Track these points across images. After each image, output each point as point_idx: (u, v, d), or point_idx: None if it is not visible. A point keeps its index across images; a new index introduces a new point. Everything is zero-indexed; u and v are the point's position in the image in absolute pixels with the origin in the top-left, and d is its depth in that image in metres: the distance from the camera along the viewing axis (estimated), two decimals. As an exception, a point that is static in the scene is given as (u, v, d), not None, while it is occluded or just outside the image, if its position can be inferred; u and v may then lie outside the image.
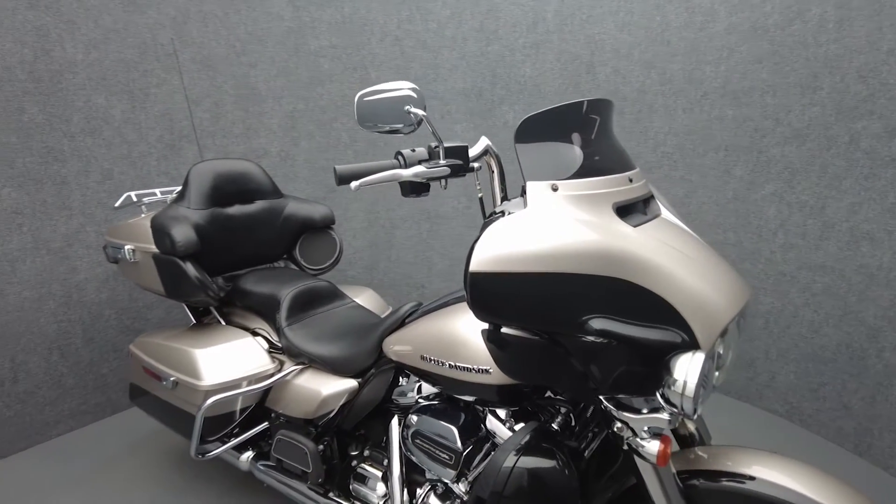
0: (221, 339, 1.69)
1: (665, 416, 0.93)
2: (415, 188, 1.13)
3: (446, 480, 1.30)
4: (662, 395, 0.91)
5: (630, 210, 1.05)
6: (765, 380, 2.43)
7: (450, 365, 1.21)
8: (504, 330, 1.03)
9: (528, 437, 1.10)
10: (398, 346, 1.37)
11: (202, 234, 1.76)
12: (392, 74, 2.81)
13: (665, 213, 1.15)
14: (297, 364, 1.64)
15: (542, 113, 1.02)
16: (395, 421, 1.46)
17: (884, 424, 2.01)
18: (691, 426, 1.19)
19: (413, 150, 1.17)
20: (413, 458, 1.37)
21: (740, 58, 2.30)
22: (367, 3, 2.73)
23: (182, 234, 1.64)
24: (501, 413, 1.24)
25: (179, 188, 2.00)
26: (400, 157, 1.14)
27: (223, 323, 1.84)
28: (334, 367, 1.55)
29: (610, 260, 0.92)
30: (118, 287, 2.53)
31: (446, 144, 1.17)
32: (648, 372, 0.92)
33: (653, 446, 0.96)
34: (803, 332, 2.24)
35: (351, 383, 1.52)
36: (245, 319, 1.82)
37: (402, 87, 1.15)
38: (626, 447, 1.02)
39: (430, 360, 1.25)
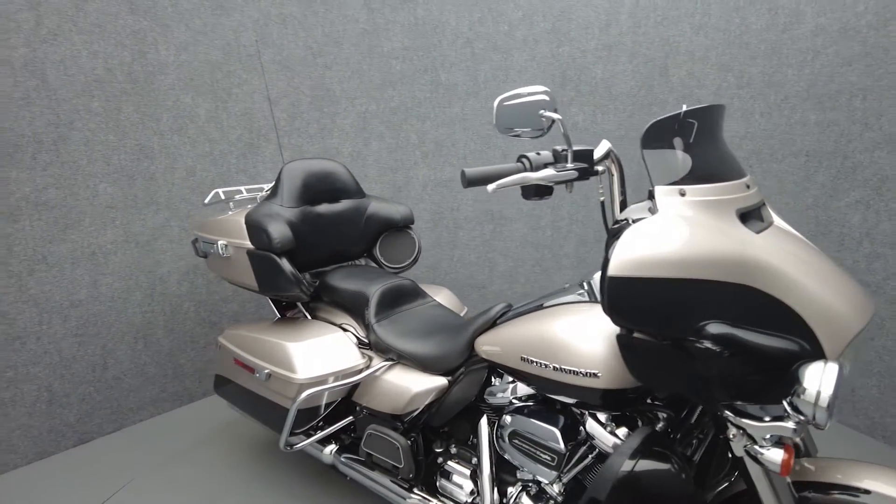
0: (313, 334, 1.75)
1: (791, 424, 0.94)
2: (538, 191, 1.16)
3: (543, 480, 1.33)
4: (791, 404, 0.92)
5: (749, 217, 1.05)
6: (844, 393, 2.37)
7: (554, 367, 1.24)
8: (635, 335, 1.05)
9: (642, 442, 1.12)
10: (493, 346, 1.40)
11: (294, 231, 1.84)
12: (462, 77, 2.85)
13: (777, 220, 1.15)
14: (386, 360, 1.69)
15: (667, 118, 1.04)
16: (484, 420, 1.50)
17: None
18: (797, 437, 1.19)
19: (538, 154, 1.20)
20: (507, 458, 1.40)
21: (827, 60, 2.25)
22: (440, 5, 2.77)
23: (278, 231, 1.71)
24: (602, 417, 1.26)
25: (268, 186, 2.09)
26: (525, 161, 1.17)
27: (309, 318, 1.91)
28: (424, 365, 1.60)
29: (741, 267, 0.94)
30: (197, 280, 2.65)
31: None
32: (774, 380, 0.93)
33: (776, 455, 0.96)
34: (889, 344, 2.18)
35: (440, 381, 1.56)
36: (331, 315, 1.89)
37: (537, 91, 1.17)
38: (740, 455, 1.03)
39: (532, 361, 1.28)
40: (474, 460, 1.57)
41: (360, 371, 1.69)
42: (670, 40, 2.60)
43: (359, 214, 2.04)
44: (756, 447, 0.99)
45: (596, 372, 1.18)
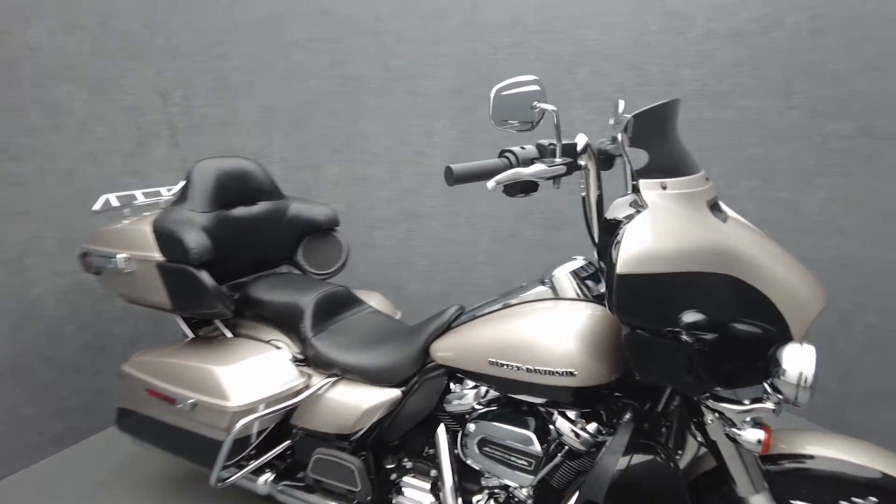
0: (242, 354, 1.59)
1: (770, 405, 0.99)
2: (525, 187, 1.12)
3: (515, 485, 1.31)
4: (772, 386, 0.97)
5: (713, 209, 1.10)
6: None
7: (528, 369, 1.22)
8: (639, 332, 1.04)
9: (631, 437, 1.13)
10: (453, 350, 1.36)
11: (210, 239, 1.65)
12: (374, 70, 2.76)
13: (731, 211, 1.22)
14: (329, 376, 1.58)
15: (647, 111, 1.05)
16: (442, 429, 1.45)
17: None
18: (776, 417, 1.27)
19: (523, 148, 1.16)
20: (473, 466, 1.36)
21: (718, 62, 2.46)
22: (346, -5, 2.65)
23: (196, 240, 1.52)
24: (571, 415, 1.26)
25: (167, 189, 1.86)
26: (510, 156, 1.13)
27: (230, 335, 1.73)
28: (374, 377, 1.51)
29: (723, 257, 0.98)
30: (80, 299, 2.31)
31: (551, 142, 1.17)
32: (754, 365, 0.98)
33: (755, 434, 1.01)
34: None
35: (393, 393, 1.49)
36: (255, 331, 1.72)
37: (529, 81, 1.13)
38: (716, 438, 1.08)
39: (502, 364, 1.25)
40: (433, 472, 1.51)
41: (301, 391, 1.56)
42: (576, 39, 2.70)
43: (279, 217, 1.88)
44: (734, 430, 1.04)
45: (572, 370, 1.17)
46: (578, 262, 1.35)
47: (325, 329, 1.66)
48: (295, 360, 1.65)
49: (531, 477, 1.26)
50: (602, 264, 1.24)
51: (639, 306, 1.00)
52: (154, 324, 2.57)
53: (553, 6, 2.70)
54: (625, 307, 1.01)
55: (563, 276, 1.30)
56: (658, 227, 0.98)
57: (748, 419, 1.03)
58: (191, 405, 1.53)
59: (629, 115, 1.06)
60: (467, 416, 1.42)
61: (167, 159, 2.47)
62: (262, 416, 1.49)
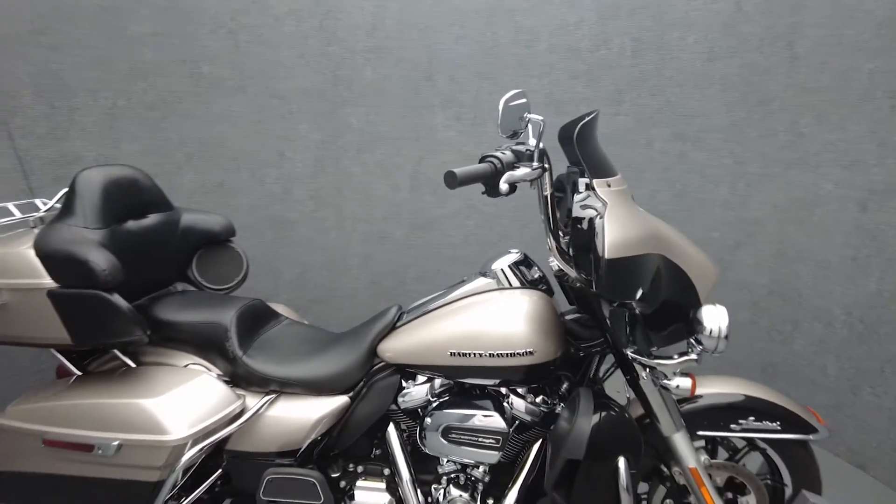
0: (168, 382, 1.45)
1: (694, 356, 1.23)
2: (510, 189, 1.23)
3: (475, 465, 1.41)
4: (697, 341, 1.21)
5: None
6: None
7: (490, 354, 1.34)
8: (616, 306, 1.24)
9: (595, 400, 1.30)
10: (406, 348, 1.42)
11: None
12: (227, 71, 2.63)
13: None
14: (267, 393, 1.52)
15: (591, 119, 1.23)
16: (392, 427, 1.49)
17: None
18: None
19: (504, 153, 1.25)
20: (439, 455, 1.43)
21: (560, 74, 2.81)
22: (196, -10, 2.49)
23: (105, 260, 1.36)
24: (521, 391, 1.41)
25: (51, 202, 1.60)
26: (495, 160, 1.21)
27: (133, 365, 1.56)
28: (318, 387, 1.50)
29: (657, 240, 1.19)
30: None
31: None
32: (683, 325, 1.22)
33: (686, 381, 1.25)
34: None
35: (340, 400, 1.49)
36: (163, 357, 1.58)
37: (519, 93, 1.23)
38: (649, 389, 1.31)
39: (465, 353, 1.35)
40: (386, 471, 1.54)
41: (240, 414, 1.48)
42: (433, 47, 2.87)
43: (171, 230, 1.74)
44: (665, 380, 1.27)
45: (531, 350, 1.32)
46: (514, 254, 1.50)
47: (251, 345, 1.58)
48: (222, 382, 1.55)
49: (498, 453, 1.38)
50: (563, 253, 1.37)
51: (621, 284, 1.17)
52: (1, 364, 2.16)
53: (409, 15, 2.82)
54: (611, 286, 1.17)
55: (506, 267, 1.45)
56: (622, 219, 1.17)
57: (677, 371, 1.26)
58: (115, 447, 1.35)
59: (577, 126, 1.21)
60: (421, 410, 1.48)
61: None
62: (207, 445, 1.38)
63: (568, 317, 1.50)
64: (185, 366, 1.55)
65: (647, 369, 1.32)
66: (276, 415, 1.48)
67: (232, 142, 2.70)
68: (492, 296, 1.43)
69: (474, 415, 1.40)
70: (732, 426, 1.40)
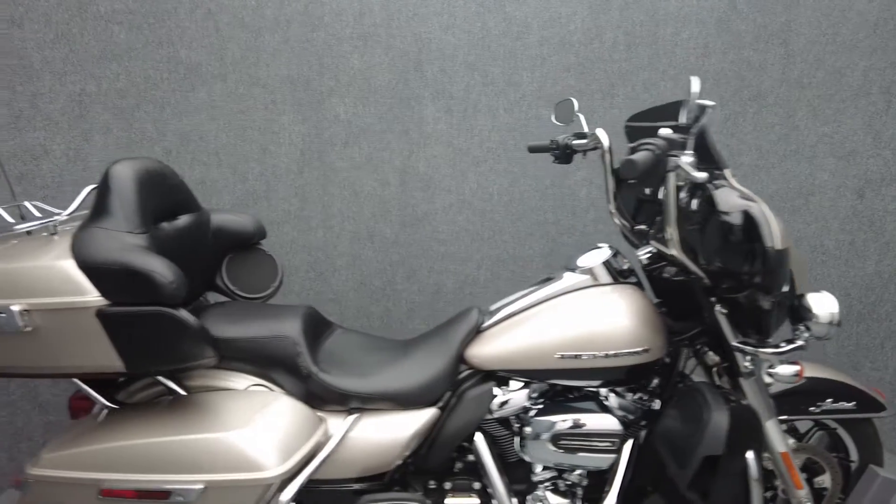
0: (245, 409, 1.28)
1: (802, 343, 1.26)
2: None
3: (576, 468, 1.36)
4: (806, 328, 1.23)
5: None
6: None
7: (605, 354, 1.29)
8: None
9: (715, 393, 1.28)
10: (504, 354, 1.35)
11: None
12: (206, 56, 2.41)
13: None
14: (349, 412, 1.38)
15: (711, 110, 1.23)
16: (480, 437, 1.41)
17: None
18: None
19: (657, 140, 1.24)
20: (548, 463, 1.36)
21: (552, 66, 2.81)
22: (172, -36, 2.25)
23: (169, 269, 1.16)
24: (618, 390, 1.38)
25: (75, 204, 1.34)
26: (653, 147, 1.26)
27: (182, 392, 1.36)
28: (405, 401, 1.38)
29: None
30: None
31: None
32: (787, 312, 1.24)
33: (792, 369, 1.27)
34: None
35: (430, 413, 1.39)
36: (214, 379, 1.39)
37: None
38: (755, 377, 1.32)
39: (577, 355, 1.30)
40: (475, 485, 1.45)
41: (328, 438, 1.33)
42: (422, 36, 2.77)
43: (203, 233, 1.54)
44: (771, 369, 1.29)
45: (647, 347, 1.29)
46: (606, 250, 1.46)
47: (320, 359, 1.42)
48: None
49: (613, 456, 1.33)
50: (684, 244, 1.35)
51: (783, 275, 1.15)
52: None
53: (397, 1, 2.71)
54: (776, 277, 1.15)
55: (601, 263, 1.41)
56: (770, 210, 1.15)
57: (783, 359, 1.28)
58: (198, 492, 1.16)
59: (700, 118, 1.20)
60: (516, 418, 1.41)
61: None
62: (304, 478, 1.22)
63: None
64: (247, 388, 1.37)
65: (750, 358, 1.33)
66: (362, 435, 1.35)
67: (212, 135, 2.47)
68: (591, 293, 1.39)
69: (587, 418, 1.35)
70: (811, 408, 1.44)
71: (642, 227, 1.60)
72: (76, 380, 1.35)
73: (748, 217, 1.19)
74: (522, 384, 1.44)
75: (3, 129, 1.90)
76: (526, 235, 3.00)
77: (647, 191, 1.60)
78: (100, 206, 1.27)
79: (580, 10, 2.74)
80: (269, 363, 1.39)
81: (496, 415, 1.43)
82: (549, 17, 2.78)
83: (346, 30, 2.68)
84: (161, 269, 1.16)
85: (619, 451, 1.37)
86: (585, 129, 1.67)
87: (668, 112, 1.36)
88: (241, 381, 1.40)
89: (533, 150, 1.80)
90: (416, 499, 1.39)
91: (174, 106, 2.36)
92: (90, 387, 1.35)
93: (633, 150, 1.27)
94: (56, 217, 1.29)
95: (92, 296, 1.15)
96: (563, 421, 1.37)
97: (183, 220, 1.48)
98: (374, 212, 2.92)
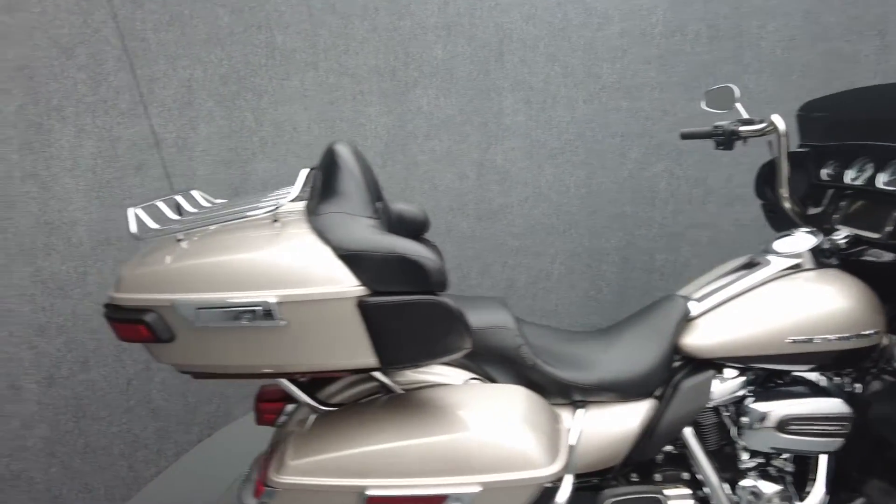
0: (499, 404, 1.21)
1: None
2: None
3: (783, 453, 1.35)
4: None
5: None
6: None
7: (838, 337, 1.28)
8: None
9: None
10: (730, 341, 1.33)
11: None
12: (300, 42, 2.33)
13: None
14: (573, 404, 1.33)
15: None
16: (688, 428, 1.38)
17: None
18: None
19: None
20: (777, 449, 1.34)
21: (632, 58, 2.81)
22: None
23: (431, 255, 1.08)
24: (827, 374, 1.38)
25: (295, 187, 1.22)
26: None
27: (399, 390, 1.28)
28: (626, 392, 1.34)
29: None
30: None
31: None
32: None
33: None
34: (694, 276, 2.94)
35: (649, 404, 1.35)
36: (423, 374, 1.31)
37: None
38: None
39: (807, 339, 1.29)
40: (684, 475, 1.41)
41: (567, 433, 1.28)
42: (503, 26, 2.73)
43: (390, 221, 1.46)
44: None
45: (876, 329, 1.29)
46: (811, 234, 1.45)
47: (539, 347, 1.36)
48: None
49: (840, 440, 1.32)
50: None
51: None
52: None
53: (480, -10, 2.67)
54: None
55: (809, 247, 1.40)
56: None
57: None
58: (474, 495, 1.08)
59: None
60: (730, 406, 1.39)
61: (77, 147, 1.60)
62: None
63: None
64: (466, 382, 1.31)
65: None
66: (594, 429, 1.30)
67: (305, 126, 2.37)
68: (810, 276, 1.39)
69: (818, 402, 1.34)
70: None
71: (815, 210, 1.61)
72: (284, 380, 1.26)
73: None
74: (738, 372, 1.44)
75: (126, 114, 1.76)
76: (602, 229, 2.99)
77: (827, 175, 1.61)
78: (333, 190, 1.17)
79: (662, 2, 2.75)
80: (489, 355, 1.32)
81: (712, 403, 1.41)
82: (629, 8, 2.78)
83: (431, 19, 2.62)
84: (428, 253, 1.08)
85: (847, 434, 1.36)
86: (745, 116, 1.66)
87: (867, 98, 1.38)
88: (457, 375, 1.32)
89: (686, 136, 1.78)
90: (655, 492, 1.36)
91: (271, 94, 2.25)
92: (300, 389, 1.26)
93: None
94: (281, 202, 1.19)
95: (352, 285, 1.07)
96: (792, 406, 1.36)
97: (379, 205, 1.40)
98: (452, 205, 2.86)
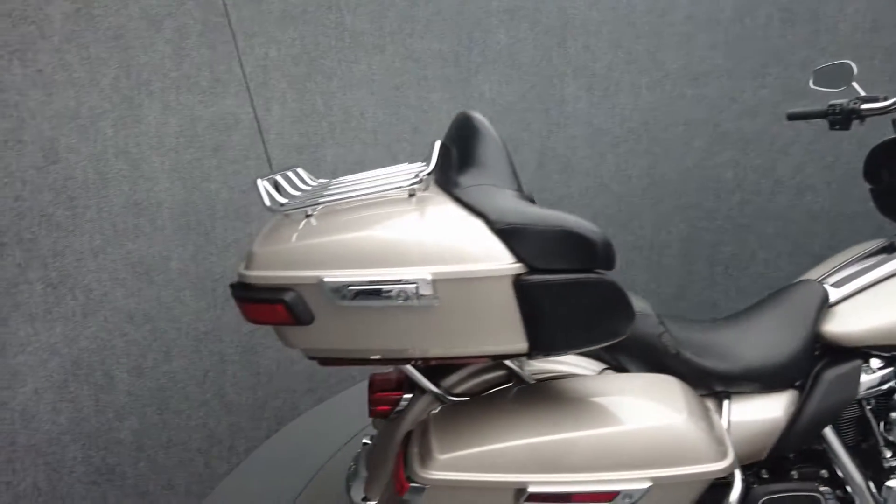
0: (660, 395, 1.12)
1: None
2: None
3: None
4: None
5: None
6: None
7: None
8: None
9: None
10: (885, 328, 1.24)
11: None
12: (368, 24, 2.25)
13: None
14: (716, 395, 1.25)
15: None
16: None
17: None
18: None
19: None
20: None
21: (698, 44, 2.72)
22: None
23: (601, 232, 0.99)
24: None
25: (431, 161, 1.13)
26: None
27: (531, 380, 1.20)
28: (770, 382, 1.25)
29: None
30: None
31: None
32: None
33: None
34: (760, 269, 2.85)
35: (792, 395, 1.26)
36: (553, 363, 1.23)
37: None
38: None
39: None
40: (822, 472, 1.32)
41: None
42: (567, 11, 2.65)
43: (528, 197, 1.39)
44: None
45: None
46: None
47: (676, 332, 1.28)
48: None
49: None
50: None
51: None
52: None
53: (543, -26, 2.58)
54: None
55: None
56: None
57: None
58: (643, 491, 0.99)
59: None
60: (879, 398, 1.32)
61: (165, 121, 1.52)
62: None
63: None
64: (600, 372, 1.22)
65: None
66: (741, 420, 1.22)
67: (371, 111, 2.29)
68: None
69: None
70: None
71: None
72: (410, 368, 1.17)
73: None
74: (885, 361, 1.34)
75: (206, 92, 1.68)
76: (665, 220, 2.90)
77: None
78: (474, 160, 1.09)
79: (730, -13, 2.67)
80: (627, 343, 1.22)
81: (860, 395, 1.32)
82: (696, -7, 2.69)
83: (494, 2, 2.54)
84: (593, 227, 1.00)
85: None
86: (862, 94, 1.57)
87: None
88: (590, 365, 1.24)
89: (794, 117, 1.69)
90: (812, 489, 1.27)
91: (340, 77, 2.17)
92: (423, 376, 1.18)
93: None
94: (422, 175, 1.10)
95: (509, 262, 0.99)
96: None
97: None
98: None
